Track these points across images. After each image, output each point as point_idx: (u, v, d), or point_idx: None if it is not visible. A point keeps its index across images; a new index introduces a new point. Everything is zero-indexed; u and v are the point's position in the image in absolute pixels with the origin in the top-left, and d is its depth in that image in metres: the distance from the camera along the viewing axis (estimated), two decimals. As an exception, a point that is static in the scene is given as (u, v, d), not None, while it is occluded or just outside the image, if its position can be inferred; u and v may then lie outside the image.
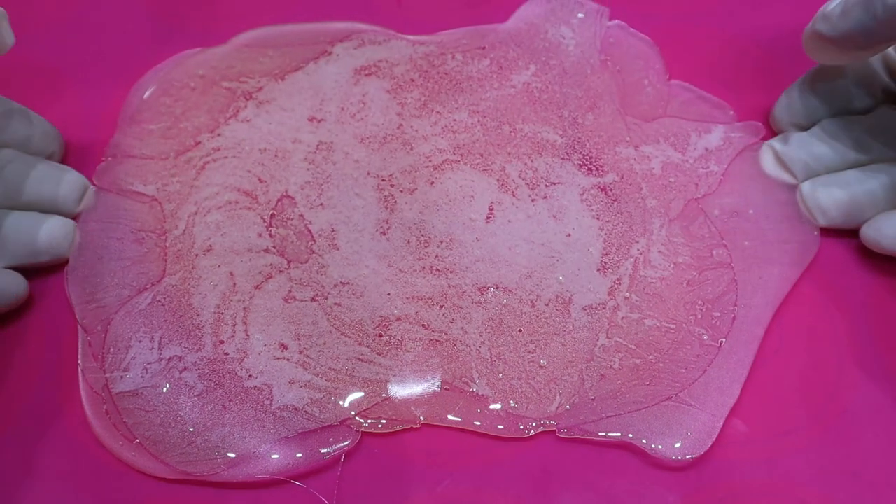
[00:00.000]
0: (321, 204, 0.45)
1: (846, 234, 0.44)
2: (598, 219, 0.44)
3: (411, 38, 0.50)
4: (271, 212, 0.45)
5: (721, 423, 0.39)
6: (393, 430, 0.40)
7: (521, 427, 0.40)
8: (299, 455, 0.39)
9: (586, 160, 0.46)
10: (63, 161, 0.47)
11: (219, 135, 0.47)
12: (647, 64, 0.49)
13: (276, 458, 0.39)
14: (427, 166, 0.46)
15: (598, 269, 0.43)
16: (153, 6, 0.54)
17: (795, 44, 0.48)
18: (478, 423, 0.40)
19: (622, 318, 0.42)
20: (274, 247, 0.44)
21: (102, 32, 0.53)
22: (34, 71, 0.51)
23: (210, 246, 0.44)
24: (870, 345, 0.42)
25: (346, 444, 0.39)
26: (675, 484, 0.39)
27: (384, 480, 0.40)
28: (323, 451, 0.39)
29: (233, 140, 0.47)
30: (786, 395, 0.41)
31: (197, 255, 0.44)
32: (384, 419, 0.40)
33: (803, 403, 0.41)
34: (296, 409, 0.40)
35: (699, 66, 0.50)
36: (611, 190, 0.45)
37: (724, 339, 0.41)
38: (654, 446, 0.39)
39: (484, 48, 0.49)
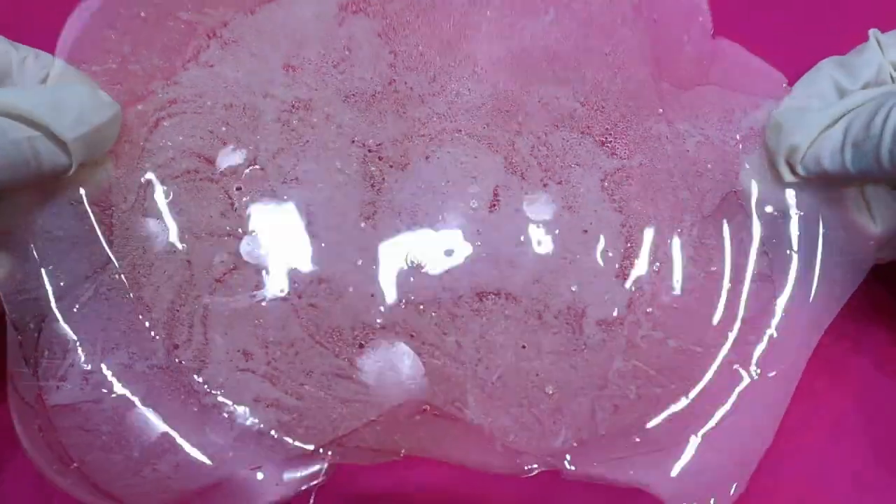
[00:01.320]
0: (296, 178, 0.38)
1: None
2: (620, 212, 0.38)
3: (409, -33, 0.42)
4: (237, 185, 0.38)
5: (752, 469, 0.35)
6: (371, 462, 0.35)
7: (519, 464, 0.35)
8: (264, 490, 0.34)
9: (609, 136, 0.39)
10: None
11: (176, 83, 0.39)
12: (689, 14, 0.41)
13: (236, 493, 0.34)
14: (422, 135, 0.39)
15: (617, 276, 0.37)
16: None
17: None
18: (469, 458, 0.35)
19: (642, 336, 0.36)
20: (240, 229, 0.37)
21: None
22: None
23: (164, 226, 0.37)
24: (872, 344, 0.39)
25: (318, 477, 0.34)
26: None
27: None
28: (291, 485, 0.34)
29: (193, 91, 0.39)
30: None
31: (148, 237, 0.37)
32: (361, 448, 0.35)
33: (805, 404, 0.37)
34: (261, 433, 0.35)
35: (749, 21, 0.42)
36: (637, 176, 0.38)
37: (758, 371, 0.36)
38: (671, 499, 0.34)
39: (495, -16, 0.41)
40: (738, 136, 0.39)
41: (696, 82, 0.40)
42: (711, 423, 0.35)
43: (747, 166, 0.38)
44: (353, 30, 0.40)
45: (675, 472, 0.35)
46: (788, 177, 0.37)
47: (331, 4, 0.40)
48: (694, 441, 0.35)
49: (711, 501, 0.34)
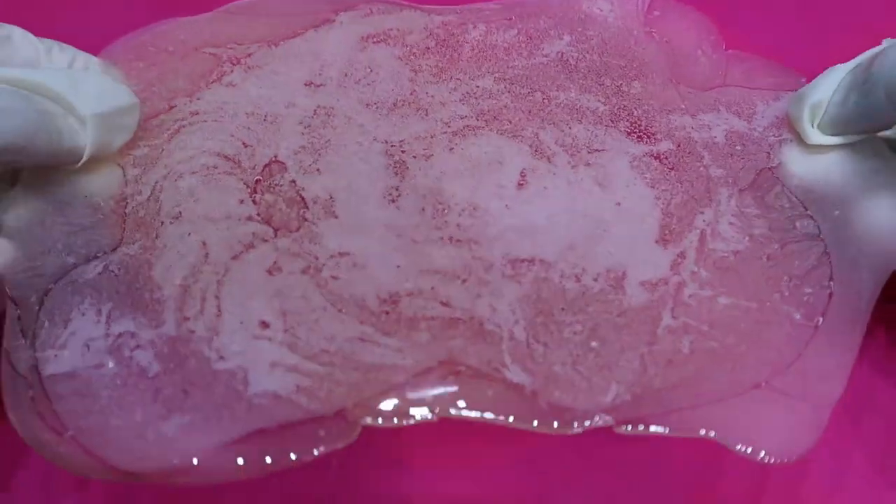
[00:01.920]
0: (317, 169, 0.37)
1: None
2: (652, 188, 0.37)
3: (426, 7, 0.43)
4: (256, 178, 0.37)
5: (827, 416, 0.31)
6: (400, 425, 0.31)
7: (566, 421, 0.31)
8: (278, 452, 0.30)
9: (635, 128, 0.39)
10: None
11: (198, 99, 0.39)
12: (699, 34, 0.42)
13: (247, 454, 0.30)
14: (445, 132, 0.38)
15: (657, 241, 0.35)
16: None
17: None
18: (511, 418, 0.31)
19: (690, 295, 0.34)
20: (258, 214, 0.36)
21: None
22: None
23: (179, 213, 0.36)
24: (874, 343, 0.37)
25: (341, 440, 0.30)
26: (672, 485, 0.36)
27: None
28: (309, 448, 0.30)
29: (214, 104, 0.39)
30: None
31: (163, 223, 0.35)
32: (390, 411, 0.31)
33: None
34: (277, 396, 0.31)
35: (764, 41, 0.43)
36: (666, 158, 0.38)
37: (820, 318, 0.33)
38: (741, 446, 0.30)
39: (511, 19, 0.43)
40: (764, 125, 0.39)
41: (715, 85, 0.40)
42: (777, 370, 0.31)
43: (781, 148, 0.38)
44: (375, 55, 0.41)
45: (743, 423, 0.30)
46: (813, 138, 0.36)
47: (352, 37, 0.42)
48: (760, 390, 0.31)
49: (783, 449, 0.30)
